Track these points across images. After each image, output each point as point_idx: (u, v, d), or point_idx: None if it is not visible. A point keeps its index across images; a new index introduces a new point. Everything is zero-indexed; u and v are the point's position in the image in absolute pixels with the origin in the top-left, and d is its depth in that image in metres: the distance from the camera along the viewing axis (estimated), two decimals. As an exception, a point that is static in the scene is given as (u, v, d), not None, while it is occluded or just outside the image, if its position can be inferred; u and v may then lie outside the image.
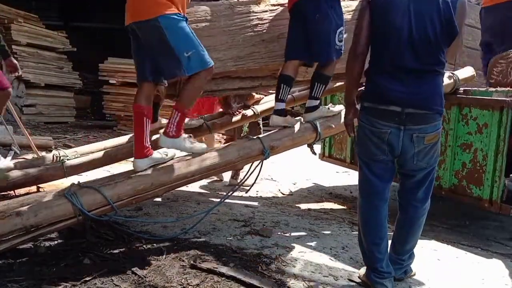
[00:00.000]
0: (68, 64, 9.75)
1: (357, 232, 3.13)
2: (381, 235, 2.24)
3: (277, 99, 3.08)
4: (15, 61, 3.34)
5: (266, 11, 3.14)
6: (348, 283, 2.33)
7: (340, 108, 3.18)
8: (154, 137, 2.94)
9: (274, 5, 3.19)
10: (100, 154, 3.16)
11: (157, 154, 2.67)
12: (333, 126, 3.10)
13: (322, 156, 4.68)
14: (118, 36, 13.19)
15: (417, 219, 2.29)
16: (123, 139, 3.42)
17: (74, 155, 3.09)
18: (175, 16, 2.50)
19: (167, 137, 2.66)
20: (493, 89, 3.21)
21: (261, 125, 4.62)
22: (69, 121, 9.52)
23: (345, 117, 2.38)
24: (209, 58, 2.61)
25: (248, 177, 2.95)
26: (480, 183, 3.08)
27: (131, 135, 3.55)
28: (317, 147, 4.30)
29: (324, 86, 3.09)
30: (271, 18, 3.12)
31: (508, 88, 3.19)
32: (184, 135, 2.72)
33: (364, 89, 2.24)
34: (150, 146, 2.66)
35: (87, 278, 2.12)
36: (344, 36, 2.98)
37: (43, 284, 2.06)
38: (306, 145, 3.41)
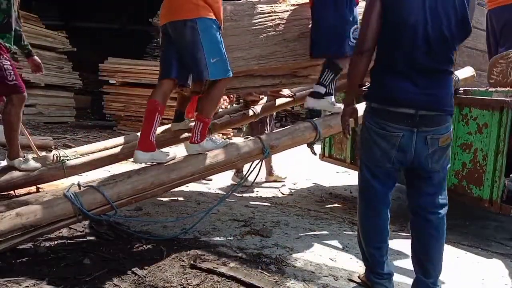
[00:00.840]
0: (68, 64, 9.75)
1: (357, 232, 3.15)
2: (382, 238, 2.17)
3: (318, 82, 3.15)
4: (38, 60, 3.35)
5: (287, 10, 3.22)
6: (348, 283, 2.33)
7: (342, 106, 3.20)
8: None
9: (294, 5, 3.28)
10: (100, 154, 3.17)
11: (159, 152, 2.71)
12: (333, 125, 3.10)
13: (322, 156, 4.68)
14: (118, 36, 13.29)
15: (443, 225, 2.10)
16: (123, 139, 3.43)
17: (74, 155, 3.09)
18: (212, 23, 2.62)
19: (193, 144, 2.74)
20: (493, 89, 3.21)
21: (269, 124, 4.61)
22: (69, 121, 9.52)
23: (342, 117, 2.24)
24: (230, 68, 2.72)
25: (248, 175, 2.95)
26: (480, 183, 3.08)
27: (130, 135, 3.56)
28: (317, 147, 4.30)
29: (333, 75, 3.11)
30: (292, 18, 3.19)
31: (508, 88, 3.19)
32: (207, 137, 2.81)
33: (370, 89, 2.12)
34: (154, 142, 2.70)
35: (87, 278, 2.12)
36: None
37: (43, 284, 2.06)
38: (306, 145, 3.41)
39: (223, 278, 2.21)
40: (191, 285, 2.13)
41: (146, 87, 8.17)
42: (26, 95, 2.99)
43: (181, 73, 2.78)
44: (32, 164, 3.01)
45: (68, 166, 3.01)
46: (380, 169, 2.11)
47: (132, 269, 2.25)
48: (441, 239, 2.10)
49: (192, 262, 2.36)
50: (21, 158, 3.00)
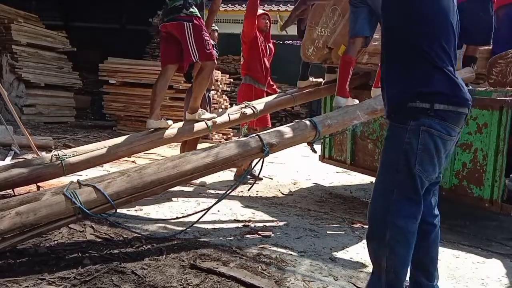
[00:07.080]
0: (68, 64, 9.76)
1: (357, 232, 3.15)
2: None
3: None
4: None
5: None
6: (348, 284, 2.32)
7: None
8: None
9: None
10: (99, 152, 3.16)
11: (351, 99, 3.44)
12: (332, 124, 3.10)
13: (322, 158, 4.67)
14: (118, 36, 13.28)
15: (439, 228, 2.03)
16: (122, 139, 3.42)
17: (73, 153, 3.09)
18: None
19: (341, 97, 3.39)
20: (493, 89, 3.21)
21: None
22: (69, 121, 9.53)
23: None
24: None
25: (247, 175, 2.95)
26: (481, 183, 3.08)
27: (130, 135, 3.56)
28: (317, 147, 4.30)
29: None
30: None
31: (508, 88, 3.20)
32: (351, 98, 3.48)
33: (433, 86, 1.78)
34: (348, 89, 3.48)
35: (87, 278, 2.12)
36: None
37: (43, 284, 2.06)
38: (306, 144, 3.41)
39: (223, 278, 2.21)
40: (191, 285, 2.13)
41: (146, 87, 8.18)
42: (216, 63, 3.57)
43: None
44: (208, 114, 3.64)
45: (67, 164, 3.01)
46: (435, 183, 1.88)
47: (132, 269, 2.24)
48: (439, 237, 2.06)
49: (192, 262, 2.36)
50: (200, 111, 3.61)
